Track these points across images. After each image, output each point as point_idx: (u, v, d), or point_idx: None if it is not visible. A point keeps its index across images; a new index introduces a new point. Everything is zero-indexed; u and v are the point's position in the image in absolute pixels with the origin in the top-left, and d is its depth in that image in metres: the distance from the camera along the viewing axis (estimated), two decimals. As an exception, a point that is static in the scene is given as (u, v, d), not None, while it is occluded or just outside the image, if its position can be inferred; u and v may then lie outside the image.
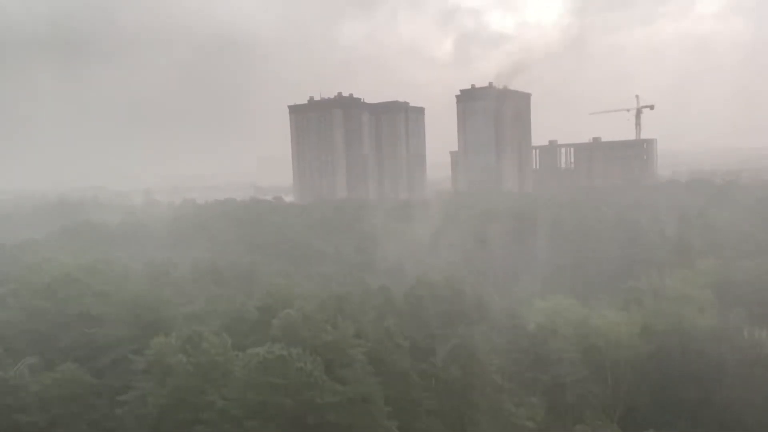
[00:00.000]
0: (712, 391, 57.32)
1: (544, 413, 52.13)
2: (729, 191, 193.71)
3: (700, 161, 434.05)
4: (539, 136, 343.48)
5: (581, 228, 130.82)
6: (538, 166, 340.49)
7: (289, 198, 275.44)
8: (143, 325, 54.49)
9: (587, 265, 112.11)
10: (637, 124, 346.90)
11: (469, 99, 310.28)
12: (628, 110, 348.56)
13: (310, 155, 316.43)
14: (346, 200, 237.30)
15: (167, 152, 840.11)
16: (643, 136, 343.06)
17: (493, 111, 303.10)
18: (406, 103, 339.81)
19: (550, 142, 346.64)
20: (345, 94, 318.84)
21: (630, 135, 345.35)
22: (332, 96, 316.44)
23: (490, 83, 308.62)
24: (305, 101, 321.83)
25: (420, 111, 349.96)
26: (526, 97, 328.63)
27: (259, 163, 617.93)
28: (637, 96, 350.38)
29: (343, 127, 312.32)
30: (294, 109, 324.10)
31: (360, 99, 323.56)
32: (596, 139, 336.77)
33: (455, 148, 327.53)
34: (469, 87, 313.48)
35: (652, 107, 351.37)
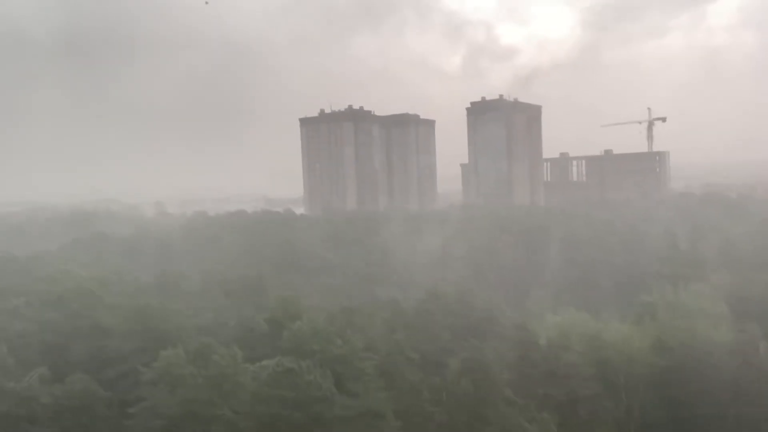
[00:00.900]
0: (727, 406, 56.33)
1: (556, 429, 51.36)
2: (743, 204, 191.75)
3: (713, 174, 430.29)
4: (550, 149, 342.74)
5: (593, 241, 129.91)
6: (549, 179, 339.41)
7: (299, 210, 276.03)
8: (153, 337, 54.56)
9: (599, 279, 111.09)
10: (649, 136, 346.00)
11: (479, 111, 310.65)
12: (640, 122, 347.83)
13: (321, 167, 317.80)
14: (357, 212, 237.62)
15: (178, 164, 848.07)
16: (656, 148, 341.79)
17: (503, 123, 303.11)
18: (416, 116, 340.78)
19: (561, 154, 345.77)
20: (356, 106, 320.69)
21: (642, 147, 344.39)
22: (343, 108, 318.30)
23: (501, 95, 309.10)
24: (316, 114, 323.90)
25: (430, 123, 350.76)
26: (536, 110, 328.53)
27: (270, 175, 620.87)
28: (649, 108, 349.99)
29: (354, 140, 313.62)
30: (305, 122, 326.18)
31: (370, 111, 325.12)
32: (608, 152, 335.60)
33: (466, 160, 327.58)
34: (480, 99, 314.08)
35: (664, 119, 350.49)
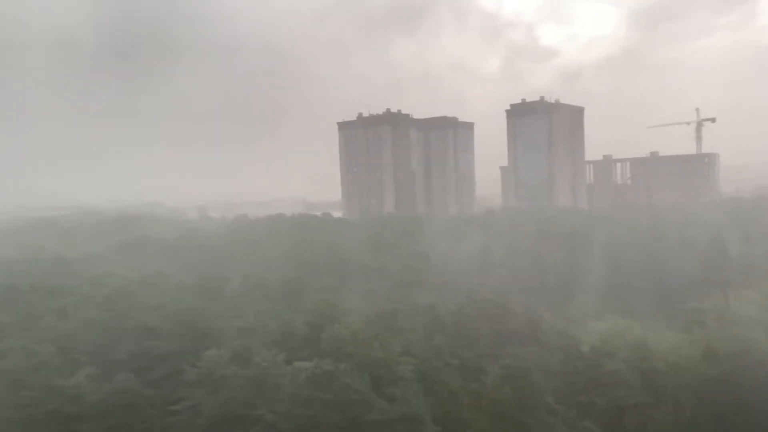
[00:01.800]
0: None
1: (599, 438, 50.04)
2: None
3: (764, 177, 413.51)
4: (593, 151, 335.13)
5: (638, 246, 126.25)
6: (592, 182, 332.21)
7: (337, 214, 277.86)
8: (196, 338, 55.67)
9: (645, 285, 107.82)
10: (698, 137, 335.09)
11: (519, 113, 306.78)
12: (688, 123, 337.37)
13: (359, 171, 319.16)
14: (395, 216, 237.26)
15: (220, 168, 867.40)
16: (704, 150, 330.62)
17: (544, 125, 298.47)
18: (455, 119, 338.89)
19: (605, 156, 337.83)
20: (393, 110, 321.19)
21: (690, 149, 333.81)
22: (381, 112, 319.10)
23: (542, 97, 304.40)
24: (354, 118, 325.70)
25: (469, 126, 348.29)
26: (579, 111, 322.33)
27: (308, 179, 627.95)
28: (697, 109, 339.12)
29: (392, 143, 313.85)
30: (343, 126, 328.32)
31: (408, 115, 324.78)
32: (654, 154, 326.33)
33: (505, 163, 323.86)
34: (520, 101, 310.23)
35: (713, 120, 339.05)
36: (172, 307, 64.16)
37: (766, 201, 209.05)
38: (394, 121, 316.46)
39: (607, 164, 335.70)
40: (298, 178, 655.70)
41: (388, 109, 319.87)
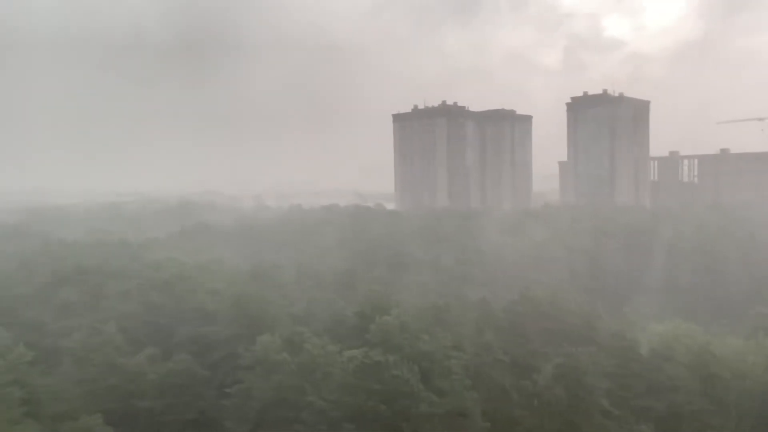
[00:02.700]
0: None
1: (656, 445, 48.19)
2: None
3: None
4: (658, 147, 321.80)
5: (705, 247, 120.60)
6: (656, 179, 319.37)
7: (390, 205, 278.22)
8: (249, 323, 56.92)
9: (711, 288, 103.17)
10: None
11: (580, 107, 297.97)
12: (761, 119, 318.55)
13: (413, 163, 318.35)
14: (448, 209, 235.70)
15: (276, 158, 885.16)
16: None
17: (607, 119, 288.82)
18: (512, 112, 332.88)
19: (671, 153, 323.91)
20: (449, 102, 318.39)
21: (763, 147, 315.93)
22: (436, 104, 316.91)
23: (605, 90, 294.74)
24: (409, 110, 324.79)
25: (527, 119, 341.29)
26: (644, 105, 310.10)
27: (362, 171, 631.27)
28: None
29: (447, 136, 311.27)
30: (397, 118, 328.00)
31: (464, 107, 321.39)
32: (724, 151, 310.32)
33: (564, 158, 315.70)
34: (581, 94, 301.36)
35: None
36: (228, 293, 65.87)
37: None
38: (450, 113, 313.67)
39: (673, 161, 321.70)
40: (352, 169, 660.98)
41: (444, 102, 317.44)
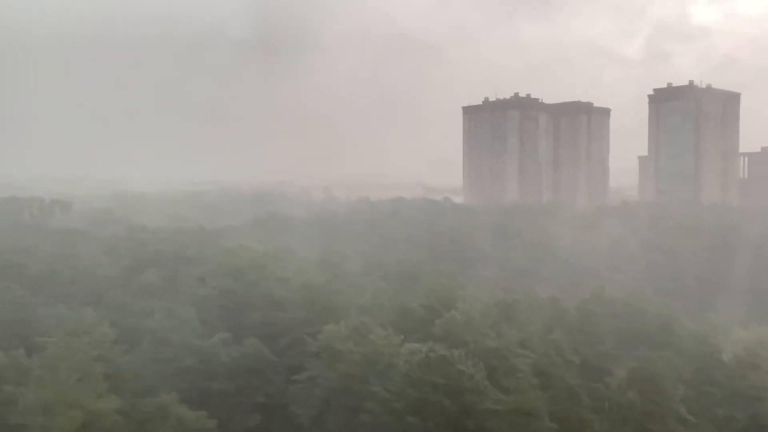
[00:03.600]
0: None
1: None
2: None
3: None
4: (749, 142, 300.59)
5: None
6: (746, 176, 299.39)
7: (458, 199, 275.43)
8: (317, 312, 57.92)
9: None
10: None
11: (663, 99, 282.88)
12: None
13: (482, 157, 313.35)
14: (519, 204, 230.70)
15: (346, 150, 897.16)
16: None
17: (692, 112, 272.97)
18: (589, 104, 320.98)
19: (763, 148, 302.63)
20: (522, 94, 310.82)
21: None
22: (508, 97, 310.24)
23: (691, 81, 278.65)
24: (480, 102, 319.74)
25: (605, 112, 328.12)
26: (734, 97, 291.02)
27: (430, 164, 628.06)
28: None
29: (519, 129, 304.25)
30: (468, 110, 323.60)
31: (538, 99, 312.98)
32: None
33: (644, 152, 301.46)
34: (665, 86, 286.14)
35: None
36: (297, 281, 67.27)
37: None
38: (522, 105, 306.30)
39: (765, 157, 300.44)
40: (420, 162, 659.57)
41: (516, 94, 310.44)
